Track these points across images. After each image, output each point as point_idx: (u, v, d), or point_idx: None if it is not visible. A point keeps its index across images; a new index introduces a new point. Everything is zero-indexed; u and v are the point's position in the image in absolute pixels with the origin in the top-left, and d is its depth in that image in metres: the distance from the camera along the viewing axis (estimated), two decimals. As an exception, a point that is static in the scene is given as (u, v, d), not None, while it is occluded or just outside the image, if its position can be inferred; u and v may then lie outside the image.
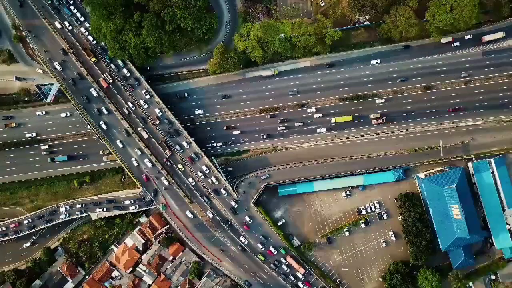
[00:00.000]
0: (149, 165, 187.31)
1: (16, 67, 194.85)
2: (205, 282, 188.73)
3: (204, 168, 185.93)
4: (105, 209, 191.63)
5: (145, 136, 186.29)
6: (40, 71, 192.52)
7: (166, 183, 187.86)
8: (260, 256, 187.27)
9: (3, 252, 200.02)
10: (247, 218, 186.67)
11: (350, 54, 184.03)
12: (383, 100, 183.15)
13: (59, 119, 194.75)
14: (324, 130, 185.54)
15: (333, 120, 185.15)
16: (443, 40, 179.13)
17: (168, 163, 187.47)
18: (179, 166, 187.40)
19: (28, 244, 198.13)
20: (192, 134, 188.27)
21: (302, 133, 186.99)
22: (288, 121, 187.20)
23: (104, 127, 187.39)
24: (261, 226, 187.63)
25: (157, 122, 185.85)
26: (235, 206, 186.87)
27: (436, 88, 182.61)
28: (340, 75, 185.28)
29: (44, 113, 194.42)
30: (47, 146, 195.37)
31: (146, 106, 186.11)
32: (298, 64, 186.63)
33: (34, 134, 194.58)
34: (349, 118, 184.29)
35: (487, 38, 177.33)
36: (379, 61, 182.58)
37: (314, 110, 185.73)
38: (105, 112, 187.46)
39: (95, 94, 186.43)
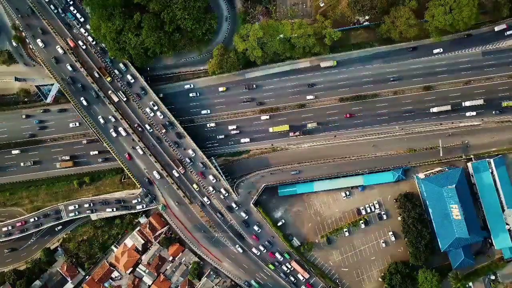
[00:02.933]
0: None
1: (15, 67, 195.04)
2: (205, 283, 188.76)
3: (211, 177, 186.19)
4: (114, 209, 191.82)
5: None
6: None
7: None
8: (270, 266, 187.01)
9: (3, 253, 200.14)
10: (256, 228, 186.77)
11: (425, 41, 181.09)
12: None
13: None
14: (247, 140, 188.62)
15: (270, 129, 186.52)
16: (496, 28, 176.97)
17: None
18: (195, 186, 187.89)
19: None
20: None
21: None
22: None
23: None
24: (264, 229, 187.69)
25: (163, 130, 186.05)
26: (246, 218, 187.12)
27: (436, 88, 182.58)
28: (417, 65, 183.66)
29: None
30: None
31: (152, 114, 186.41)
32: (298, 64, 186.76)
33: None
34: (286, 127, 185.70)
35: None
36: (441, 49, 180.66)
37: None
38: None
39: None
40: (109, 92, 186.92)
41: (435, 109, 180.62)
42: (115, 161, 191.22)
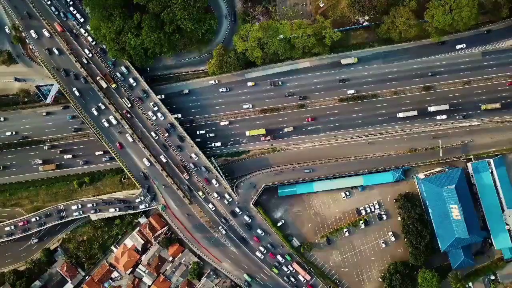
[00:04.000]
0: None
1: (15, 68, 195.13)
2: (205, 283, 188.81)
3: (214, 182, 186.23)
4: (117, 209, 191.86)
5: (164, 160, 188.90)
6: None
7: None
8: (274, 269, 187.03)
9: (3, 253, 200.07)
10: (259, 231, 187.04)
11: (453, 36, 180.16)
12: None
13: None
14: (219, 144, 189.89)
15: (247, 133, 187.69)
16: None
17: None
18: (200, 193, 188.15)
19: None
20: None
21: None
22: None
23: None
24: (266, 231, 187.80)
25: (166, 134, 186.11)
26: (249, 222, 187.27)
27: (436, 88, 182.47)
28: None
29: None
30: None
31: (154, 117, 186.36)
32: (298, 65, 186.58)
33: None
34: (262, 131, 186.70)
35: None
36: (464, 45, 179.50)
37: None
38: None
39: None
40: (98, 78, 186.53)
41: (401, 114, 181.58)
42: (96, 163, 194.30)
